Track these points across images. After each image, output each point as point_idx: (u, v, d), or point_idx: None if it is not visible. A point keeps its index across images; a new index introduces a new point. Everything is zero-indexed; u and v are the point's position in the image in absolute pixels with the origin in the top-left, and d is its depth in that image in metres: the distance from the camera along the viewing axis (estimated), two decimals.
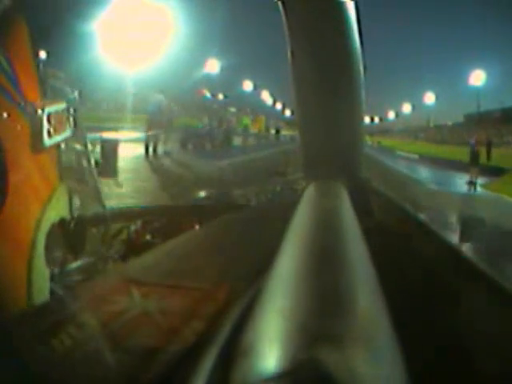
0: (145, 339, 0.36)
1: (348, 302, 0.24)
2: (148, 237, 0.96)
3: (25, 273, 0.52)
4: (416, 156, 15.78)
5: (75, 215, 0.67)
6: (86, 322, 0.40)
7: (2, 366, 0.33)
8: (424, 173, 11.52)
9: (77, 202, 0.70)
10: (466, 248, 2.57)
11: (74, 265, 0.68)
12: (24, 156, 0.54)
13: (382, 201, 0.87)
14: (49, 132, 0.57)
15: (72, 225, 0.65)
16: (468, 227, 3.53)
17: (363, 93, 0.88)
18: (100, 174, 0.86)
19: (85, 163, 0.84)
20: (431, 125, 18.34)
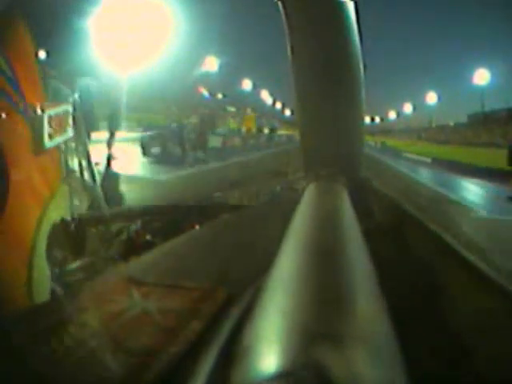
0: (145, 339, 0.36)
1: (348, 302, 0.24)
2: (148, 237, 0.96)
3: (25, 272, 0.52)
4: (428, 159, 13.42)
5: (76, 215, 0.67)
6: (86, 322, 0.40)
7: (1, 365, 0.33)
8: (452, 186, 8.27)
9: (77, 202, 0.71)
10: None
11: (75, 264, 0.68)
12: (25, 157, 0.54)
13: (382, 201, 0.87)
14: (49, 134, 0.57)
15: (72, 225, 0.65)
16: None
17: (363, 92, 0.88)
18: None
19: (85, 164, 0.84)
20: (433, 125, 18.17)
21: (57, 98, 0.63)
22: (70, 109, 0.66)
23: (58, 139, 0.61)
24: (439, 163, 12.19)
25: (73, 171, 0.77)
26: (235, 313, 0.38)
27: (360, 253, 0.35)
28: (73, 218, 0.66)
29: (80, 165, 0.82)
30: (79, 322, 0.40)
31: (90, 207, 0.86)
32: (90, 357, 0.35)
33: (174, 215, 1.13)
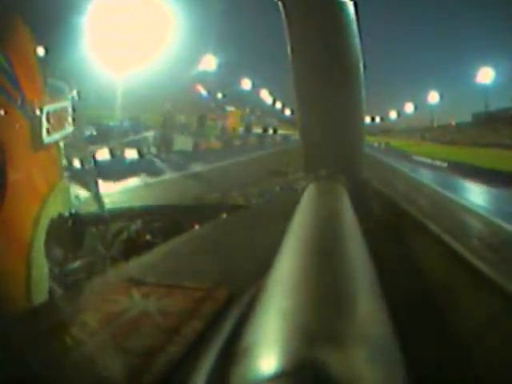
0: (145, 339, 0.36)
1: (348, 302, 0.24)
2: (148, 237, 0.96)
3: (24, 269, 0.52)
4: (442, 163, 11.07)
5: (74, 212, 0.67)
6: (86, 321, 0.40)
7: (2, 365, 0.33)
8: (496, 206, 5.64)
9: (75, 199, 0.71)
10: None
11: (74, 264, 0.68)
12: (23, 153, 0.54)
13: (382, 201, 0.87)
14: (48, 130, 0.57)
15: (71, 222, 0.65)
16: None
17: (363, 92, 0.88)
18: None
19: (83, 160, 0.84)
20: (435, 125, 17.85)
21: (55, 95, 0.63)
22: (69, 105, 0.66)
23: (57, 135, 0.61)
24: (460, 169, 9.59)
25: (71, 168, 0.77)
26: (235, 313, 0.38)
27: (360, 253, 0.35)
28: (71, 215, 0.66)
29: (78, 162, 0.82)
30: (79, 322, 0.40)
31: (89, 204, 0.86)
32: (90, 357, 0.35)
33: (174, 215, 1.14)
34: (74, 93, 0.71)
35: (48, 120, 0.57)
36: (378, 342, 0.21)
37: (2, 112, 0.50)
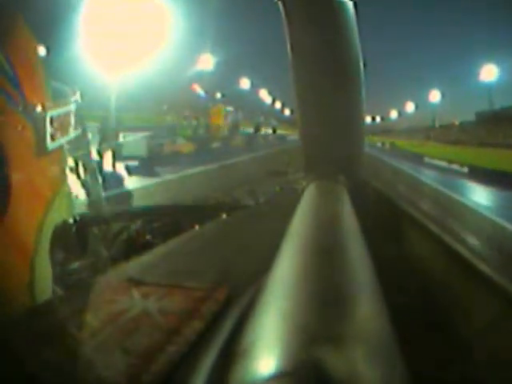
0: (145, 339, 0.36)
1: (348, 302, 0.24)
2: (148, 237, 0.96)
3: (28, 273, 0.52)
4: (462, 168, 9.36)
5: (77, 217, 0.67)
6: (87, 322, 0.40)
7: (2, 365, 0.33)
8: None
9: (79, 203, 0.70)
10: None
11: (76, 265, 0.68)
12: (27, 159, 0.54)
13: (383, 201, 0.87)
14: (52, 135, 0.57)
15: (74, 226, 0.65)
16: None
17: (364, 92, 0.88)
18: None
19: (87, 165, 0.84)
20: (437, 125, 17.55)
21: (59, 99, 0.62)
22: (73, 109, 0.66)
23: (61, 140, 0.60)
24: (487, 178, 7.67)
25: (75, 173, 0.77)
26: (235, 313, 0.38)
27: (360, 253, 0.35)
28: (75, 220, 0.66)
29: (83, 165, 0.82)
30: (80, 322, 0.40)
31: (91, 207, 0.86)
32: (90, 357, 0.35)
33: (174, 215, 1.13)
34: (78, 96, 0.70)
35: (52, 125, 0.57)
36: (378, 342, 0.21)
37: (5, 117, 0.50)
